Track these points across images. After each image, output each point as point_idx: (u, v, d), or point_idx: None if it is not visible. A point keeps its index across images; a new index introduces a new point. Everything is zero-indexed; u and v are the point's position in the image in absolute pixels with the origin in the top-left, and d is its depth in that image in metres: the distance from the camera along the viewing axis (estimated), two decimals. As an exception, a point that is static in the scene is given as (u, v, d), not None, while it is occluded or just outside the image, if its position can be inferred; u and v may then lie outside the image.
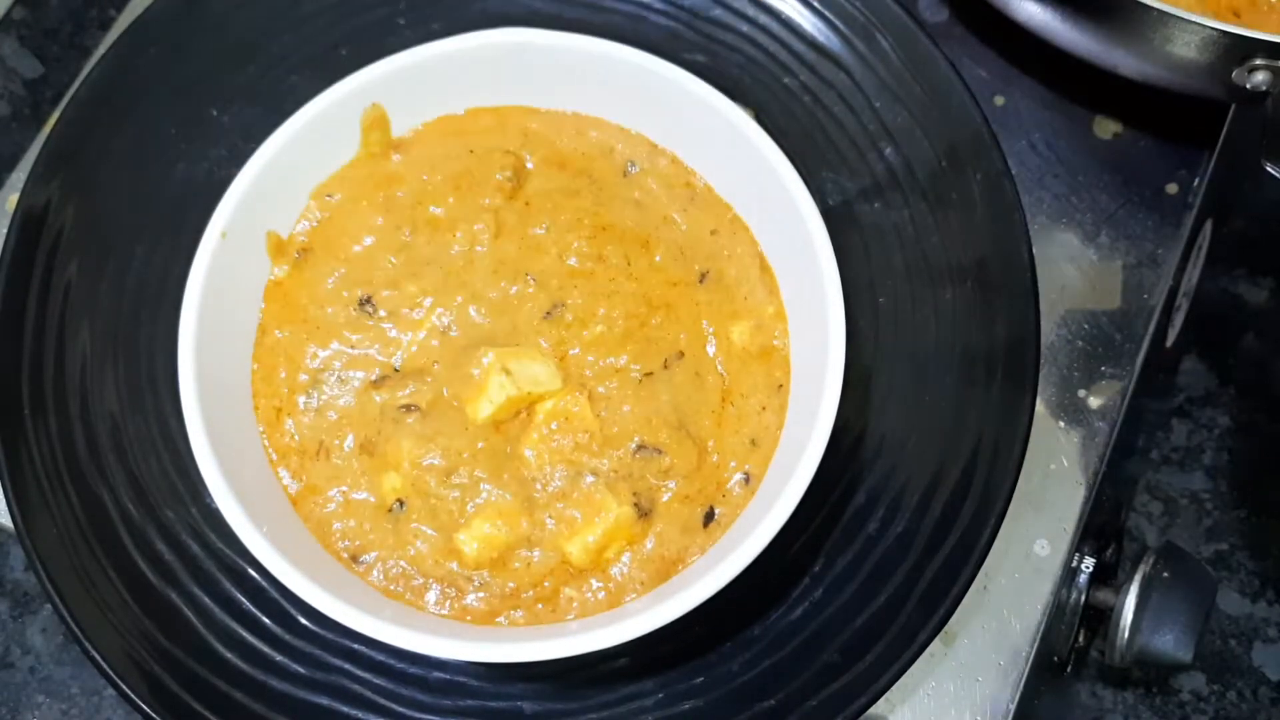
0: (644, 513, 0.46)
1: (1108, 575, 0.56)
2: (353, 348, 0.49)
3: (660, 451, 0.47)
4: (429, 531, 0.46)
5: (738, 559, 0.42)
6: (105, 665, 0.46)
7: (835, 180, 0.53)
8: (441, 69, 0.50)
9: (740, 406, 0.48)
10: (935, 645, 0.53)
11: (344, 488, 0.47)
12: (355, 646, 0.48)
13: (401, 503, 0.47)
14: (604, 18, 0.56)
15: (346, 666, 0.47)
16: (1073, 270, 0.59)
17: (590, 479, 0.46)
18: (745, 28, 0.55)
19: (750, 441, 0.48)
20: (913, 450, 0.49)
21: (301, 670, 0.47)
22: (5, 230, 0.51)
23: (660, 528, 0.46)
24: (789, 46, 0.55)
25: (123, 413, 0.50)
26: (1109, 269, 0.59)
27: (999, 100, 0.63)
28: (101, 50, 0.59)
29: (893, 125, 0.53)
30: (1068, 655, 0.58)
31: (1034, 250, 0.51)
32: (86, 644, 0.46)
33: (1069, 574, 0.55)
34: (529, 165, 0.51)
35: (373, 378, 0.48)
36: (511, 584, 0.46)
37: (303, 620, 0.48)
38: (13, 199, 0.60)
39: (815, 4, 0.55)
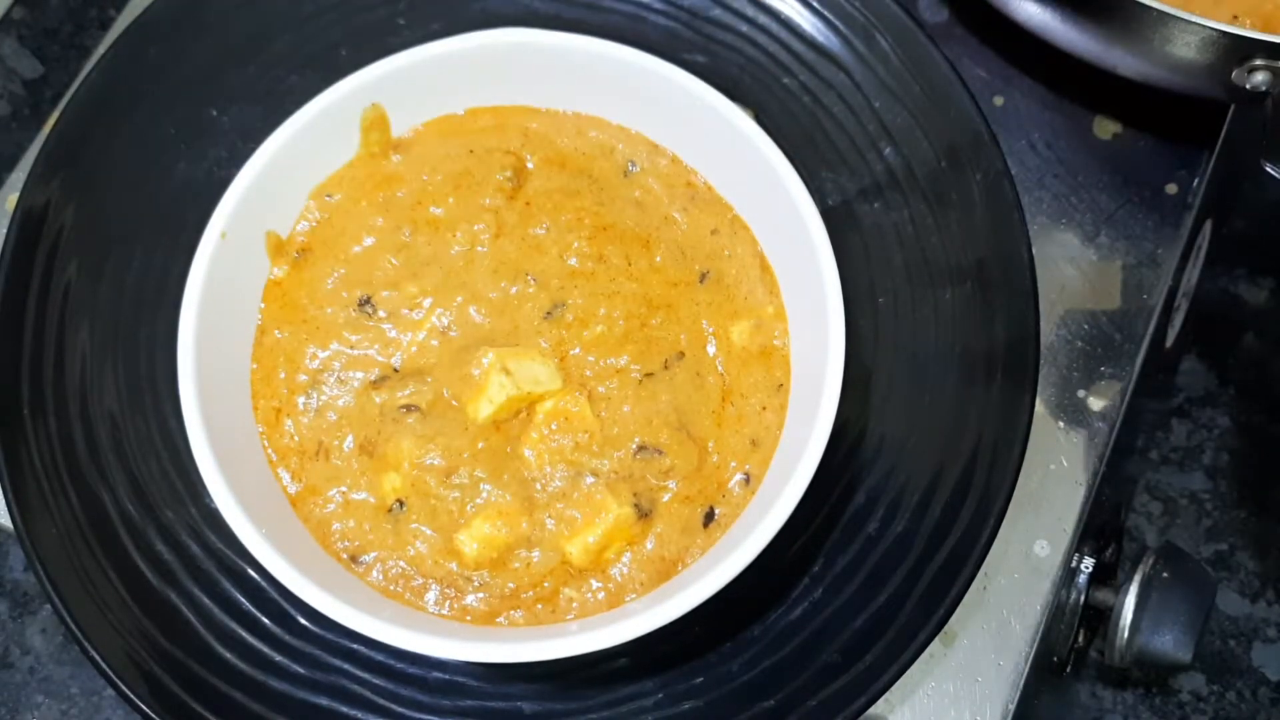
0: (644, 513, 0.46)
1: (1107, 575, 0.56)
2: (352, 348, 0.49)
3: (661, 452, 0.47)
4: (429, 532, 0.46)
5: (737, 559, 0.42)
6: (105, 665, 0.46)
7: (835, 180, 0.53)
8: (441, 69, 0.50)
9: (740, 406, 0.48)
10: (935, 645, 0.53)
11: (344, 488, 0.47)
12: (355, 647, 0.48)
13: (401, 503, 0.47)
14: (603, 18, 0.55)
15: (346, 666, 0.47)
16: (1073, 270, 0.59)
17: (590, 479, 0.46)
18: (745, 28, 0.55)
19: (751, 442, 0.48)
20: (913, 450, 0.49)
21: (301, 670, 0.47)
22: (5, 230, 0.51)
23: (660, 528, 0.46)
24: (789, 46, 0.55)
25: (122, 413, 0.50)
26: (1109, 269, 0.59)
27: (999, 100, 0.62)
28: (101, 50, 0.59)
29: (893, 125, 0.53)
30: (1067, 655, 0.58)
31: (1034, 250, 0.51)
32: (86, 644, 0.46)
33: (1069, 574, 0.55)
34: (529, 165, 0.51)
35: (372, 378, 0.48)
36: (511, 584, 0.46)
37: (302, 620, 0.48)
38: (13, 199, 0.60)
39: (815, 4, 0.55)
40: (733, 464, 0.47)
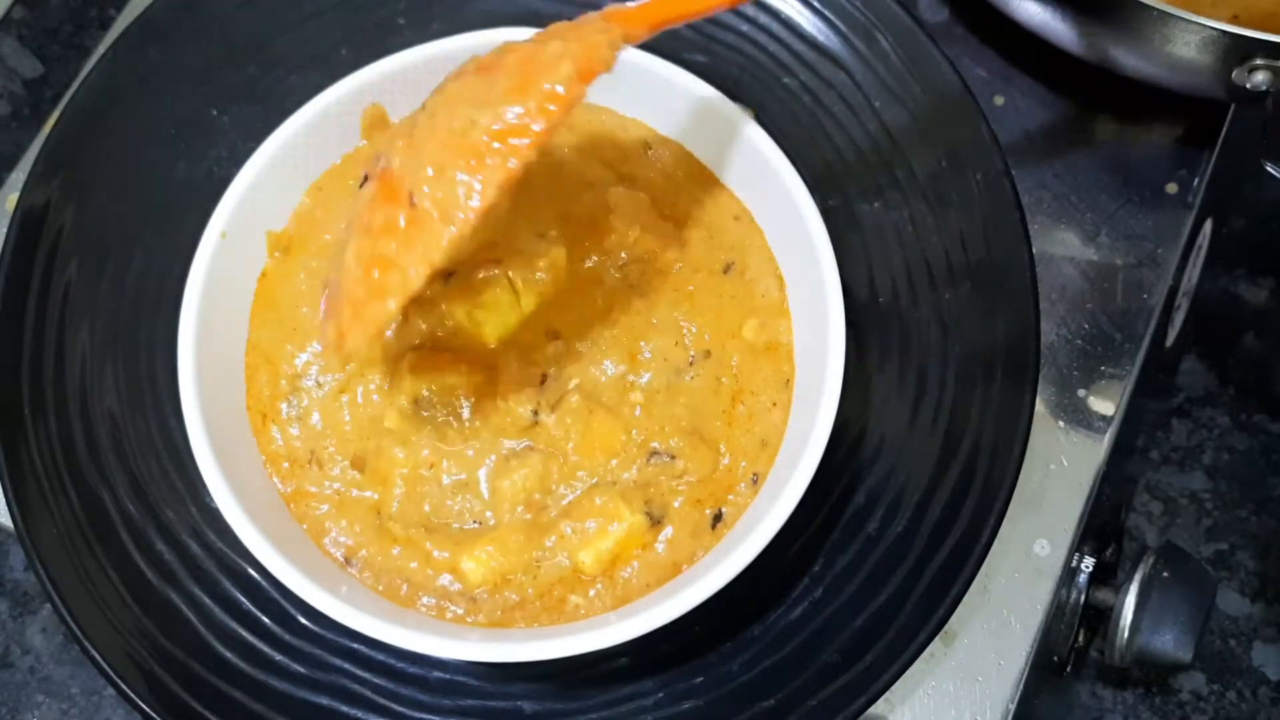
0: (655, 520, 0.45)
1: (1108, 575, 0.56)
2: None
3: (674, 457, 0.46)
4: (430, 548, 0.45)
5: (737, 559, 0.42)
6: (105, 665, 0.46)
7: (835, 180, 0.53)
8: (441, 69, 0.50)
9: (750, 405, 0.47)
10: (935, 645, 0.53)
11: (335, 498, 0.46)
12: (355, 646, 0.47)
13: (395, 518, 0.46)
14: (604, 18, 0.55)
15: (346, 666, 0.47)
16: (1073, 270, 0.59)
17: (603, 487, 0.45)
18: (745, 27, 0.55)
19: (761, 441, 0.46)
20: (913, 450, 0.49)
21: (301, 670, 0.47)
22: (5, 230, 0.51)
23: (671, 532, 0.45)
24: (789, 46, 0.55)
25: (122, 412, 0.50)
26: (1109, 269, 0.59)
27: (999, 100, 0.62)
28: (101, 50, 0.59)
29: (893, 125, 0.53)
30: (1068, 655, 0.58)
31: (1034, 250, 0.51)
32: (86, 644, 0.46)
33: (1069, 574, 0.55)
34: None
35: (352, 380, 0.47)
36: (515, 596, 0.45)
37: (302, 620, 0.48)
38: (13, 199, 0.60)
39: (815, 4, 0.55)
40: (743, 465, 0.46)
